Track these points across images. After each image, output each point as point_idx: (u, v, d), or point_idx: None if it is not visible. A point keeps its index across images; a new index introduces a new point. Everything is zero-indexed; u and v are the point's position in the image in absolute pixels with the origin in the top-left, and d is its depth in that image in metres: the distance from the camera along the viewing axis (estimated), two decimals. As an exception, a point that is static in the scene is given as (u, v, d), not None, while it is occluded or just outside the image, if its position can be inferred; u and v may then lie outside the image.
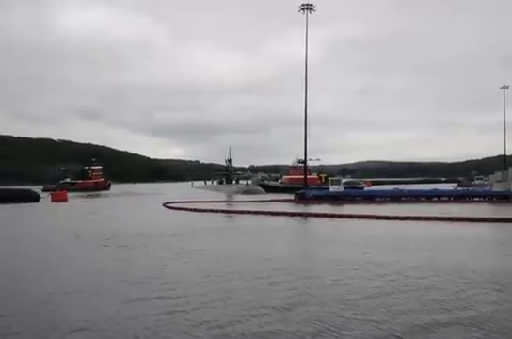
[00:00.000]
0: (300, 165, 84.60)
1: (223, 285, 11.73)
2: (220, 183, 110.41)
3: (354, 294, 10.62)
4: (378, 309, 9.37)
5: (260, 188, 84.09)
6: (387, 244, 18.99)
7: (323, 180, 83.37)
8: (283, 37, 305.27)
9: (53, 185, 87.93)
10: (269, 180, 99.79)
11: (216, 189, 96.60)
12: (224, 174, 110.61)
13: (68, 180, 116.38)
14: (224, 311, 9.45)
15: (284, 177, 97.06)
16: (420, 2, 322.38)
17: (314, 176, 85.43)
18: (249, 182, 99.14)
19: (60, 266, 15.51)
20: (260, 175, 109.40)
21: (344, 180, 67.06)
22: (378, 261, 14.70)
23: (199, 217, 34.26)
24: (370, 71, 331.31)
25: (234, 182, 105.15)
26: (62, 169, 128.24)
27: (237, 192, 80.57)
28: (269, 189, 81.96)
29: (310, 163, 69.53)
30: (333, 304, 9.78)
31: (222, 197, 66.78)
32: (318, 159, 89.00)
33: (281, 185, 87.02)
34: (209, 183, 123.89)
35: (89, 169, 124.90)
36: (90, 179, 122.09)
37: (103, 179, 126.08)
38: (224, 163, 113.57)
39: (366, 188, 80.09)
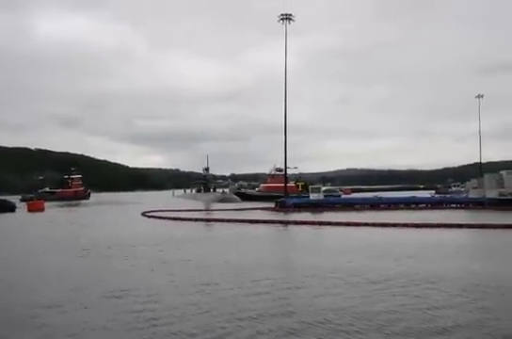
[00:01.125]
0: (278, 173, 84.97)
1: (203, 298, 11.72)
2: (198, 191, 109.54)
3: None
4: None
5: (235, 197, 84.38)
6: (367, 251, 19.15)
7: (300, 188, 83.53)
8: (263, 46, 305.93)
9: (31, 195, 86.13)
10: (246, 188, 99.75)
11: (194, 198, 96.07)
12: (202, 183, 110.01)
13: (47, 189, 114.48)
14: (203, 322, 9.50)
15: (261, 185, 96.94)
16: (399, 12, 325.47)
17: (292, 184, 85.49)
18: (226, 190, 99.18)
19: (38, 278, 15.23)
20: (238, 184, 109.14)
21: (323, 188, 67.56)
22: (359, 269, 14.90)
23: (178, 226, 34.21)
24: (349, 80, 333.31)
25: (212, 190, 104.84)
26: (41, 178, 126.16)
27: (214, 200, 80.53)
28: (246, 198, 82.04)
29: (288, 171, 69.57)
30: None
31: (200, 205, 66.61)
32: (296, 167, 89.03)
33: (259, 194, 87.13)
34: (188, 191, 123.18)
35: (69, 178, 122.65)
36: (70, 188, 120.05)
37: (82, 188, 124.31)
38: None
39: (345, 196, 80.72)
